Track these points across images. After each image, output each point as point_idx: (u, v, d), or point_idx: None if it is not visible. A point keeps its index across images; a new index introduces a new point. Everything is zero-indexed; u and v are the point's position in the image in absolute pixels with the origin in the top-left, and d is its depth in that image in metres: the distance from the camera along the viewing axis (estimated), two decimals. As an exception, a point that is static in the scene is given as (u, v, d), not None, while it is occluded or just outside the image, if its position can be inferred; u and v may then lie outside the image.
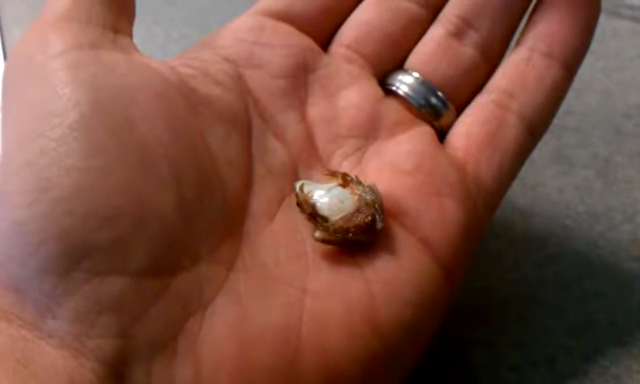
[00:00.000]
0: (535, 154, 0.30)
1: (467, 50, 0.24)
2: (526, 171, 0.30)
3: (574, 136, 0.31)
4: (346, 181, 0.21)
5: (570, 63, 0.23)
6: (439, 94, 0.23)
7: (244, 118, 0.21)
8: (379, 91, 0.23)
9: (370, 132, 0.23)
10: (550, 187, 0.29)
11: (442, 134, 0.23)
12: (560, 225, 0.28)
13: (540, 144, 0.31)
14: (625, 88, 0.33)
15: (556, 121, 0.32)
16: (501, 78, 0.23)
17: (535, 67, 0.23)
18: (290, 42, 0.23)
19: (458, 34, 0.24)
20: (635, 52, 0.35)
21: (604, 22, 0.37)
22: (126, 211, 0.17)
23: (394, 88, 0.23)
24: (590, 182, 0.29)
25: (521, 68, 0.23)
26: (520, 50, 0.23)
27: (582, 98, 0.33)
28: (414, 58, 0.24)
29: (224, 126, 0.21)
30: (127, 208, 0.17)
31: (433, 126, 0.23)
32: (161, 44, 0.38)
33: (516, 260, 0.27)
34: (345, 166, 0.22)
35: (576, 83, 0.34)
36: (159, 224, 0.18)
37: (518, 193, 0.29)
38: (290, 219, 0.21)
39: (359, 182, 0.21)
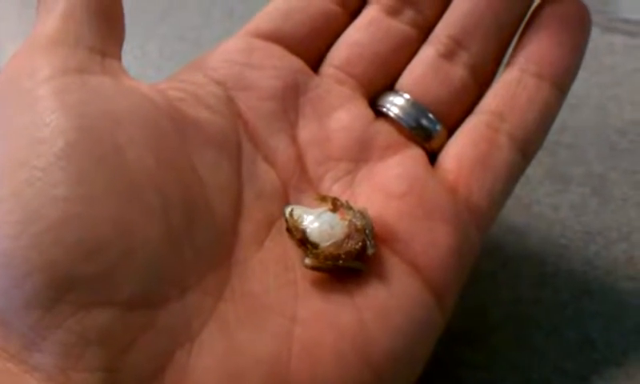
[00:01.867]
0: (530, 171, 0.30)
1: (458, 71, 0.23)
2: (521, 189, 0.30)
3: (568, 153, 0.31)
4: (336, 206, 0.21)
5: (561, 83, 0.23)
6: (430, 115, 0.23)
7: (234, 142, 0.21)
8: (370, 113, 0.23)
9: (360, 154, 0.22)
10: (545, 205, 0.29)
11: (433, 156, 0.23)
12: (555, 244, 0.28)
13: (535, 161, 0.31)
14: (620, 104, 0.33)
15: (551, 137, 0.32)
16: (492, 99, 0.23)
17: (526, 88, 0.23)
18: (281, 63, 0.23)
19: (448, 54, 0.23)
20: (630, 67, 0.35)
21: (598, 38, 0.37)
22: (112, 242, 0.17)
23: (384, 110, 0.23)
24: (586, 199, 0.29)
25: (512, 89, 0.23)
26: (511, 71, 0.23)
27: (577, 114, 0.33)
28: (404, 79, 0.24)
29: (213, 150, 0.21)
30: (114, 238, 0.17)
31: (424, 148, 0.23)
32: (154, 61, 0.38)
33: (511, 280, 0.27)
34: (335, 190, 0.22)
35: (571, 99, 0.33)
36: (146, 254, 0.17)
37: (513, 211, 0.29)
38: (280, 245, 0.21)
39: (350, 207, 0.21)
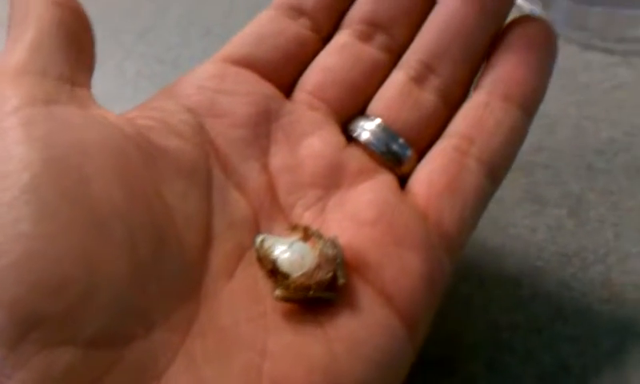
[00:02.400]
0: (507, 192, 0.30)
1: (428, 96, 0.24)
2: (497, 211, 0.30)
3: (545, 173, 0.31)
4: (307, 235, 0.21)
5: (529, 106, 0.23)
6: (400, 140, 0.23)
7: (204, 170, 0.21)
8: (342, 139, 0.23)
9: (332, 181, 0.22)
10: (521, 227, 0.29)
11: (404, 180, 0.23)
12: (532, 266, 0.28)
13: (511, 182, 0.31)
14: (597, 123, 0.33)
15: (527, 157, 0.32)
16: (460, 123, 0.23)
17: (494, 111, 0.23)
18: (253, 89, 0.23)
19: (419, 79, 0.24)
20: (607, 85, 0.35)
21: (576, 56, 0.37)
22: (76, 279, 0.17)
23: (355, 135, 0.23)
24: (562, 221, 0.29)
25: (479, 112, 0.23)
26: (479, 95, 0.23)
27: (554, 133, 0.33)
28: (376, 104, 0.24)
29: (183, 179, 0.20)
30: (78, 275, 0.17)
31: (395, 173, 0.23)
32: (131, 80, 0.38)
33: (487, 304, 0.27)
34: (307, 217, 0.22)
35: (547, 119, 0.34)
36: (112, 291, 0.17)
37: (489, 233, 0.29)
38: (250, 276, 0.20)
39: (320, 236, 0.20)
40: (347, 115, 0.24)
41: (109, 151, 0.19)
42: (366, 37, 0.24)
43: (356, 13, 0.25)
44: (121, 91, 0.37)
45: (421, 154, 0.23)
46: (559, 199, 0.30)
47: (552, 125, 0.33)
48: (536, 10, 0.38)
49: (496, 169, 0.23)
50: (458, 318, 0.26)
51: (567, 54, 0.37)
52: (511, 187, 0.31)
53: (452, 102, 0.24)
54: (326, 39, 0.25)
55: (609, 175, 0.31)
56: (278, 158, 0.22)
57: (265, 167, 0.22)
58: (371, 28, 0.24)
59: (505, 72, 0.23)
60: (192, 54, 0.39)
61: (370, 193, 0.22)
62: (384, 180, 0.23)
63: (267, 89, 0.23)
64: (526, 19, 0.24)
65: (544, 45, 0.24)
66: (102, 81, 0.38)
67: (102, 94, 0.36)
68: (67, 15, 0.21)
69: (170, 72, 0.38)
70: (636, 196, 0.30)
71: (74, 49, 0.21)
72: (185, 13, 0.42)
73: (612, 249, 0.28)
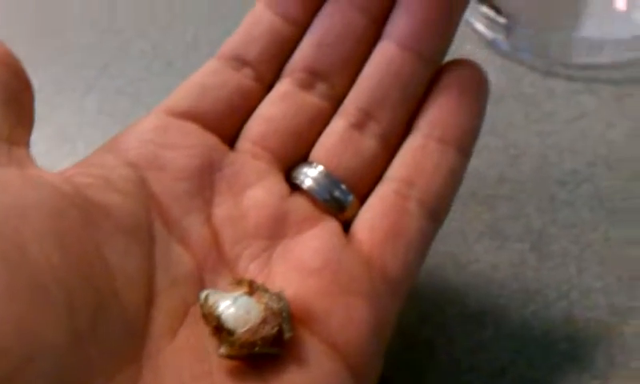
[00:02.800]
0: (468, 227, 0.30)
1: (368, 141, 0.24)
2: (459, 247, 0.29)
3: (507, 206, 0.31)
4: (252, 289, 0.20)
5: (465, 146, 0.24)
6: (342, 186, 0.23)
7: (145, 226, 0.21)
8: (285, 187, 0.23)
9: (277, 231, 0.22)
10: (483, 264, 0.29)
11: (348, 225, 0.23)
12: (494, 304, 0.27)
13: (473, 217, 0.30)
14: (560, 153, 0.33)
15: (490, 191, 0.31)
16: (399, 167, 0.23)
17: (431, 154, 0.23)
18: (195, 141, 0.23)
19: (359, 125, 0.24)
20: (571, 114, 0.35)
21: (539, 83, 0.37)
22: (13, 347, 0.16)
23: (298, 182, 0.23)
24: (524, 256, 0.29)
25: (418, 155, 0.23)
26: (416, 137, 0.24)
27: (517, 164, 0.32)
28: (317, 151, 0.24)
29: (123, 237, 0.20)
30: (14, 344, 0.16)
31: (338, 219, 0.23)
32: (91, 117, 0.37)
33: (448, 346, 0.26)
34: (252, 269, 0.21)
35: (510, 149, 0.33)
36: (50, 359, 0.16)
37: (451, 272, 0.28)
38: (195, 333, 0.20)
39: (266, 290, 0.20)
40: (290, 163, 0.24)
41: (46, 213, 0.18)
42: (307, 85, 0.24)
43: (297, 62, 0.25)
44: (82, 128, 0.37)
45: (363, 199, 0.23)
46: (522, 233, 0.30)
47: (515, 156, 0.33)
48: (499, 37, 0.38)
49: (437, 210, 0.23)
50: (420, 362, 0.26)
51: (530, 82, 0.37)
52: (473, 222, 0.30)
53: (391, 146, 0.24)
54: (269, 88, 0.25)
55: (571, 207, 0.30)
56: (222, 210, 0.22)
57: (209, 219, 0.22)
58: (312, 76, 0.24)
59: (440, 115, 0.24)
60: (154, 87, 0.39)
61: (314, 241, 0.22)
62: (328, 227, 0.22)
63: (210, 140, 0.23)
64: (458, 63, 0.25)
65: (477, 87, 0.24)
66: (63, 118, 0.37)
67: (62, 131, 0.36)
68: (5, 74, 0.20)
69: (131, 107, 0.38)
70: (598, 228, 0.30)
71: (13, 108, 0.20)
72: (147, 47, 0.41)
73: (574, 284, 0.28)
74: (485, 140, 0.34)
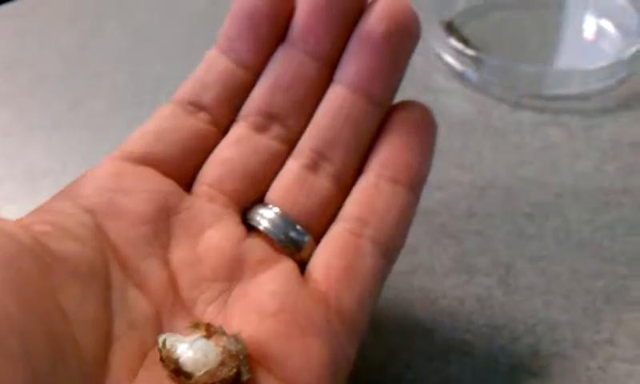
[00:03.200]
0: (437, 262, 0.30)
1: (322, 182, 0.24)
2: (428, 282, 0.29)
3: (475, 241, 0.31)
4: (209, 332, 0.20)
5: (414, 185, 0.24)
6: (298, 227, 0.23)
7: (102, 273, 0.21)
8: (242, 229, 0.23)
9: (233, 273, 0.22)
10: (451, 299, 0.28)
11: (303, 265, 0.23)
12: (461, 340, 0.27)
13: (442, 251, 0.30)
14: (527, 185, 0.33)
15: (459, 225, 0.31)
16: (353, 206, 0.24)
17: (383, 193, 0.24)
18: (151, 186, 0.23)
19: (312, 166, 0.24)
20: (538, 145, 0.35)
21: (507, 116, 0.37)
22: None
23: (255, 224, 0.23)
24: (492, 291, 0.29)
25: (370, 195, 0.24)
26: (368, 177, 0.24)
27: (485, 198, 0.32)
28: (273, 192, 0.24)
29: (80, 284, 0.20)
30: None
31: (294, 259, 0.23)
32: (60, 152, 0.37)
33: (414, 383, 0.26)
34: (210, 312, 0.21)
35: (479, 181, 0.33)
36: None
37: (419, 307, 0.28)
38: (154, 376, 0.20)
39: (223, 332, 0.20)
40: (247, 204, 0.24)
41: (3, 263, 0.18)
42: (261, 128, 0.25)
43: (252, 105, 0.25)
44: (50, 164, 0.36)
45: (318, 239, 0.24)
46: (489, 268, 0.30)
47: (484, 188, 0.33)
48: (468, 69, 0.38)
49: (390, 248, 0.24)
50: (384, 400, 0.25)
51: (498, 115, 0.37)
52: (442, 257, 0.30)
53: (345, 186, 0.24)
54: (225, 132, 0.25)
55: (539, 241, 0.30)
56: (179, 254, 0.22)
57: (166, 264, 0.22)
58: (266, 119, 0.25)
59: (391, 155, 0.24)
60: (123, 122, 0.39)
61: (271, 283, 0.22)
62: (284, 268, 0.22)
63: (166, 185, 0.23)
64: (407, 105, 0.25)
65: (425, 128, 0.25)
66: (31, 154, 0.37)
67: (30, 169, 0.36)
68: None
69: (99, 142, 0.38)
70: (564, 261, 0.30)
71: None
72: (116, 81, 0.41)
73: (541, 319, 0.28)
74: (454, 173, 0.34)
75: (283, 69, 0.25)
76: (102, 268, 0.21)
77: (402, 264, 0.30)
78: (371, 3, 0.25)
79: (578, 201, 0.32)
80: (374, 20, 0.24)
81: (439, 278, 0.29)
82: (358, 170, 0.25)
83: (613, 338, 0.27)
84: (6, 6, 0.48)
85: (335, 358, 0.21)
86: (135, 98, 0.40)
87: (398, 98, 0.35)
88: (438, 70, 0.40)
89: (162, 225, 0.22)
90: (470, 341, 0.27)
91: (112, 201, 0.22)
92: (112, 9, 0.47)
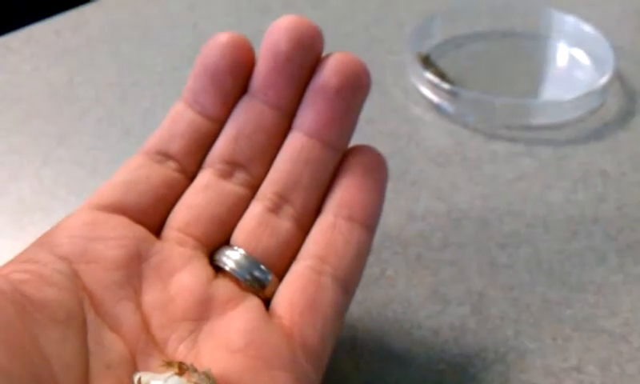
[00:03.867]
0: (412, 293, 0.31)
1: (284, 223, 0.26)
2: (403, 313, 0.30)
3: (450, 271, 0.32)
4: (182, 370, 0.21)
5: (369, 223, 0.26)
6: (262, 267, 0.25)
7: (79, 316, 0.22)
8: (210, 270, 0.25)
9: (203, 313, 0.24)
10: (425, 329, 0.29)
11: (268, 302, 0.25)
12: (434, 370, 0.28)
13: (418, 282, 0.31)
14: (500, 215, 0.34)
15: (434, 255, 0.32)
16: (313, 245, 0.25)
17: (341, 231, 0.25)
18: (123, 233, 0.24)
19: (274, 208, 0.26)
20: (512, 175, 0.36)
21: (482, 146, 0.38)
22: None
23: (221, 265, 0.25)
24: (465, 320, 0.30)
25: (328, 233, 0.25)
26: (326, 217, 0.26)
27: (460, 228, 0.33)
28: (237, 234, 0.26)
29: (59, 327, 0.21)
30: None
31: (260, 296, 0.25)
32: (49, 189, 0.38)
33: (388, 413, 0.27)
34: (181, 350, 0.23)
35: (455, 213, 0.34)
36: None
37: (394, 338, 0.29)
38: (130, 414, 0.21)
39: (195, 370, 0.21)
40: (213, 246, 0.26)
41: None
42: (226, 174, 0.27)
43: (216, 153, 0.27)
44: (38, 200, 0.37)
45: (281, 276, 0.25)
46: (463, 297, 0.30)
47: (459, 219, 0.34)
48: (444, 102, 0.40)
49: (348, 283, 0.25)
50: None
51: (474, 146, 0.38)
52: (418, 287, 0.31)
53: (305, 226, 0.26)
54: (192, 179, 0.27)
55: (510, 270, 0.31)
56: (150, 297, 0.23)
57: (138, 306, 0.23)
58: (230, 166, 0.27)
59: (347, 196, 0.26)
60: (111, 156, 0.40)
61: (239, 320, 0.23)
62: (250, 306, 0.24)
63: (137, 231, 0.25)
64: (360, 149, 0.27)
65: (377, 170, 0.27)
66: (20, 189, 0.38)
67: (19, 204, 0.37)
68: None
69: (89, 177, 0.38)
70: (535, 290, 0.31)
71: None
72: (104, 115, 0.42)
73: (511, 347, 0.29)
74: (431, 204, 0.35)
75: (245, 119, 0.27)
76: (79, 312, 0.22)
77: (379, 296, 0.31)
78: (325, 57, 0.27)
79: (549, 231, 0.33)
80: (328, 73, 0.26)
81: (414, 310, 0.30)
82: (317, 210, 0.26)
83: (580, 365, 0.28)
84: (-4, 42, 0.49)
85: None
86: (122, 130, 0.41)
87: (380, 128, 0.37)
88: (415, 101, 0.41)
89: (134, 269, 0.24)
90: (443, 370, 0.28)
91: (86, 248, 0.23)
92: (99, 44, 0.48)
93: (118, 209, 0.25)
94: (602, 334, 0.29)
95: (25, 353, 0.19)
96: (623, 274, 0.31)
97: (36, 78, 0.46)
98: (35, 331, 0.20)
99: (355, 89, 0.26)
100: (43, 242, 0.24)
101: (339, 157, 0.27)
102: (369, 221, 0.26)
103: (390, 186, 0.35)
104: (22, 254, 0.23)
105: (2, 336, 0.19)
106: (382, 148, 0.38)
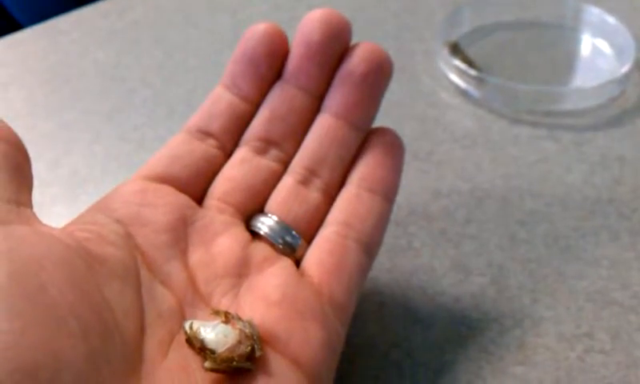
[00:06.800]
0: (436, 262, 0.33)
1: (312, 194, 0.29)
2: (428, 281, 0.32)
3: (472, 244, 0.34)
4: (227, 318, 0.24)
5: (389, 195, 0.29)
6: (293, 232, 0.28)
7: (134, 272, 0.25)
8: (247, 235, 0.28)
9: (242, 271, 0.27)
10: (447, 296, 0.32)
11: (298, 263, 0.28)
12: (456, 332, 0.30)
13: (442, 253, 0.34)
14: (521, 195, 0.36)
15: (458, 229, 0.35)
16: (338, 212, 0.28)
17: (363, 201, 0.29)
18: (170, 200, 0.27)
19: (304, 181, 0.29)
20: (533, 158, 0.38)
21: (505, 130, 0.40)
22: (44, 365, 0.20)
23: (257, 230, 0.28)
24: (485, 289, 0.32)
25: (352, 202, 0.29)
26: (350, 188, 0.29)
27: (482, 206, 0.36)
28: (271, 203, 0.29)
29: (118, 280, 0.24)
30: (45, 362, 0.20)
31: (292, 258, 0.28)
32: (100, 161, 0.41)
33: (414, 369, 0.29)
34: (224, 303, 0.26)
35: (478, 191, 0.37)
36: (73, 374, 0.20)
37: (419, 302, 0.32)
38: (181, 355, 0.23)
39: (239, 318, 0.24)
40: (250, 214, 0.29)
41: (58, 261, 0.22)
42: (261, 151, 0.30)
43: (252, 132, 0.30)
44: (90, 172, 0.40)
45: (310, 241, 0.28)
46: (483, 268, 0.33)
47: (481, 197, 0.36)
48: (471, 87, 0.42)
49: (371, 247, 0.28)
50: (389, 382, 0.29)
51: (498, 129, 0.40)
52: (442, 258, 0.33)
53: (331, 197, 0.29)
54: (229, 155, 0.30)
55: (529, 244, 0.34)
56: (196, 256, 0.26)
57: (185, 265, 0.26)
58: (265, 144, 0.30)
59: (369, 170, 0.29)
60: (157, 134, 0.42)
61: (273, 278, 0.26)
62: (284, 266, 0.27)
63: (182, 199, 0.28)
64: (382, 130, 0.30)
65: (396, 149, 0.30)
66: (73, 163, 0.41)
67: (72, 176, 0.40)
68: (10, 149, 0.25)
69: (136, 152, 0.41)
70: (551, 263, 0.33)
71: (17, 176, 0.24)
72: (150, 94, 0.45)
73: (527, 314, 0.31)
74: (456, 183, 0.37)
75: (279, 101, 0.30)
76: (134, 268, 0.25)
77: (405, 265, 0.33)
78: (352, 47, 0.30)
79: (567, 209, 0.35)
80: (355, 61, 0.29)
81: (438, 277, 0.33)
82: (342, 183, 0.30)
83: (591, 332, 0.30)
84: (46, 23, 0.52)
85: (329, 339, 0.25)
86: (167, 109, 0.44)
87: (409, 111, 0.39)
88: (443, 87, 0.43)
89: (181, 232, 0.27)
90: (463, 333, 0.30)
91: (138, 213, 0.26)
92: (144, 28, 0.51)
93: (165, 179, 0.28)
94: (613, 305, 0.31)
95: (93, 300, 0.22)
96: (635, 252, 0.33)
97: (85, 59, 0.48)
98: (99, 282, 0.23)
99: (379, 75, 0.29)
100: (100, 207, 0.27)
101: (363, 136, 0.30)
102: (388, 192, 0.29)
103: (417, 165, 0.38)
104: (81, 215, 0.26)
105: (74, 284, 0.22)
106: (411, 130, 0.40)
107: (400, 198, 0.36)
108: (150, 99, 0.45)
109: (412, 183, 0.37)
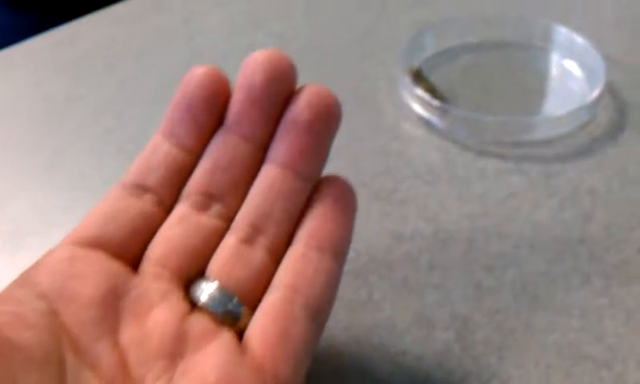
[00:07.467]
0: (398, 317, 0.31)
1: (257, 253, 0.27)
2: (389, 338, 0.30)
3: (436, 294, 0.32)
4: None
5: (338, 252, 0.27)
6: (235, 300, 0.26)
7: (57, 357, 0.22)
8: (185, 305, 0.26)
9: (178, 349, 0.24)
10: (410, 355, 0.30)
11: (242, 333, 0.25)
12: (418, 396, 0.28)
13: (403, 306, 0.32)
14: (488, 236, 0.34)
15: (421, 278, 0.33)
16: (284, 274, 0.26)
17: (311, 261, 0.26)
18: (100, 269, 0.25)
19: (248, 239, 0.27)
20: (501, 194, 0.36)
21: (471, 164, 0.38)
22: None
23: (195, 299, 0.26)
24: (449, 346, 0.30)
25: (299, 263, 0.26)
26: (297, 247, 0.27)
27: (446, 250, 0.34)
28: (213, 265, 0.27)
29: (37, 369, 0.21)
30: None
31: (234, 329, 0.25)
32: (45, 211, 0.39)
33: (372, 441, 0.27)
34: None
35: (441, 234, 0.35)
36: None
37: (378, 362, 0.30)
38: None
39: None
40: (190, 278, 0.26)
41: None
42: (202, 207, 0.27)
43: (193, 186, 0.28)
44: (32, 225, 0.38)
45: (254, 307, 0.26)
46: (448, 322, 0.31)
47: (446, 240, 0.34)
48: (434, 118, 0.40)
49: (319, 313, 0.26)
50: None
51: (463, 163, 0.38)
52: (403, 311, 0.31)
53: (277, 256, 0.27)
54: (169, 210, 0.28)
55: (496, 293, 0.32)
56: (128, 333, 0.24)
57: (116, 344, 0.24)
58: (206, 198, 0.27)
59: (317, 226, 0.27)
60: (104, 175, 0.40)
61: (211, 357, 0.24)
62: (224, 341, 0.25)
63: (115, 267, 0.25)
64: (331, 180, 0.28)
65: (346, 200, 0.28)
66: (14, 213, 0.38)
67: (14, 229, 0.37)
68: None
69: (86, 201, 0.39)
70: (519, 314, 0.31)
71: None
72: (101, 131, 0.43)
73: (495, 373, 0.29)
74: (418, 225, 0.35)
75: (221, 152, 0.28)
76: (57, 353, 0.22)
77: (365, 320, 0.31)
78: (298, 90, 0.28)
79: (535, 251, 0.33)
80: (301, 106, 0.27)
81: (400, 334, 0.31)
82: (289, 240, 0.27)
83: (562, 392, 0.28)
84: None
85: None
86: (116, 149, 0.41)
87: (370, 146, 0.37)
88: (406, 117, 0.41)
89: (111, 306, 0.24)
90: (426, 398, 0.28)
91: (64, 286, 0.24)
92: (96, 57, 0.48)
93: (97, 243, 0.26)
94: (585, 360, 0.29)
95: None
96: (608, 298, 0.31)
97: (35, 92, 0.46)
98: (13, 373, 0.21)
99: (326, 121, 0.27)
100: (24, 279, 0.24)
101: (311, 186, 0.28)
102: (338, 249, 0.27)
103: (378, 207, 0.36)
104: (3, 292, 0.24)
105: None
106: (372, 166, 0.38)
107: (359, 244, 0.34)
108: (100, 136, 0.42)
109: (373, 226, 0.35)
